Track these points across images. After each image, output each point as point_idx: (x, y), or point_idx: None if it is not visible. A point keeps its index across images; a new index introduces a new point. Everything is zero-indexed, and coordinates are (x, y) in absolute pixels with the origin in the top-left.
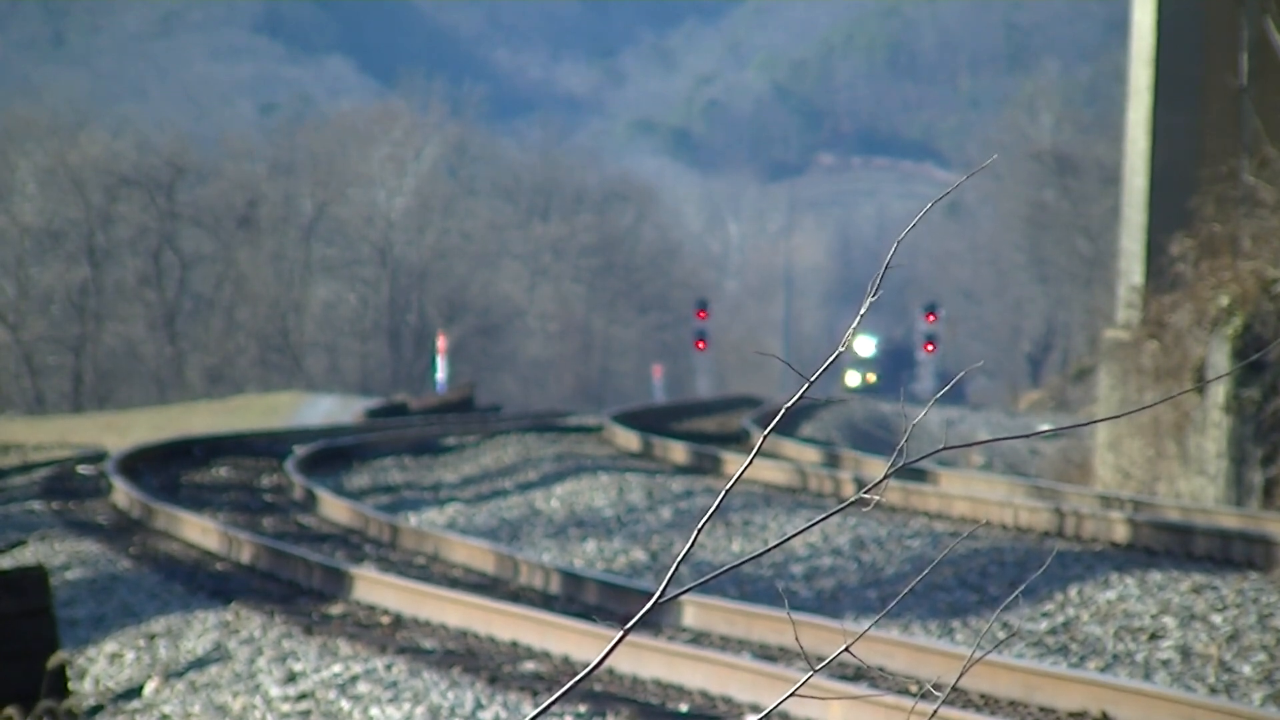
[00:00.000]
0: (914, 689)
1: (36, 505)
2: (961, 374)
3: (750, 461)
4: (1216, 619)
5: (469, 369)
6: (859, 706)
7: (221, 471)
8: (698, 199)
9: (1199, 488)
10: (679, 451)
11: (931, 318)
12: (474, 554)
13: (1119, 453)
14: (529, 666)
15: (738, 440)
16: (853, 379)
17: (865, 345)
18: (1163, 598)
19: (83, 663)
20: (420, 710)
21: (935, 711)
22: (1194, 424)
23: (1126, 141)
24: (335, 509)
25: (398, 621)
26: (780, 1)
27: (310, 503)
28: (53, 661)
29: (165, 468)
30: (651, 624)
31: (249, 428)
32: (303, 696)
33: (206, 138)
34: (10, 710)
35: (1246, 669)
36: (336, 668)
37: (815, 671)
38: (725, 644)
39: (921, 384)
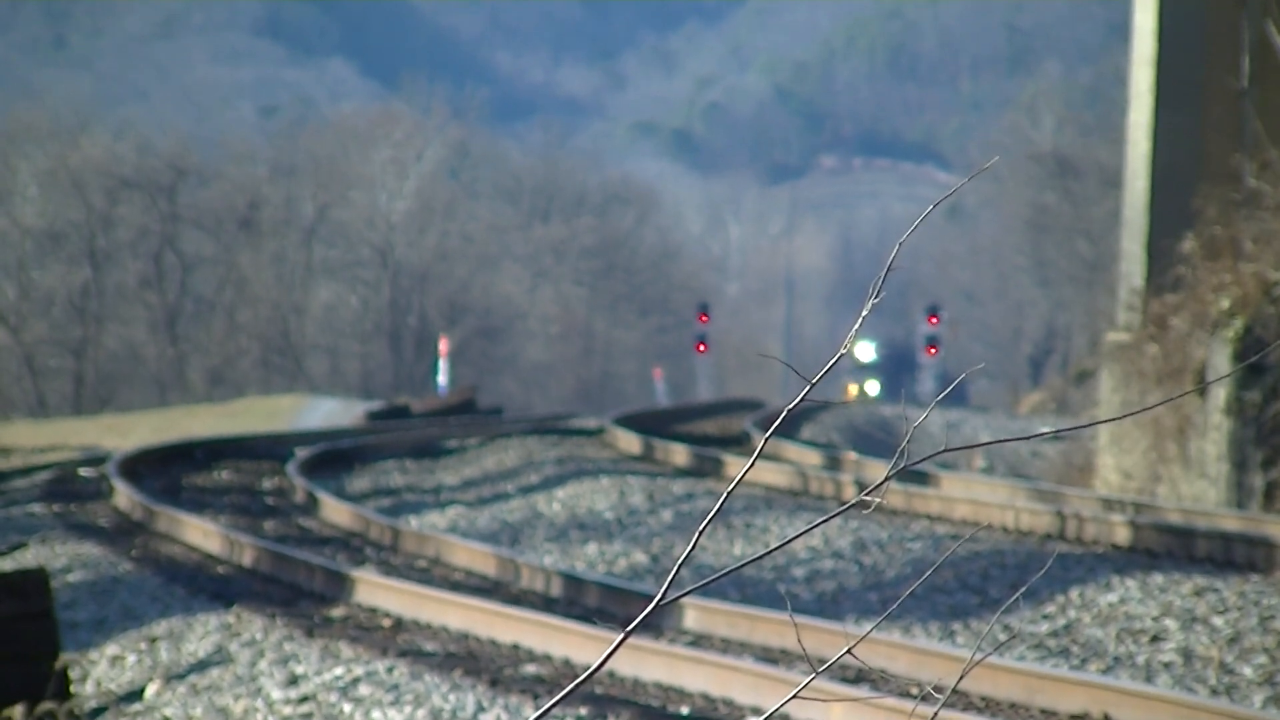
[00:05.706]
0: (915, 691)
1: (38, 508)
2: (963, 376)
3: (751, 464)
4: (1218, 621)
5: (470, 371)
6: (860, 709)
7: (223, 474)
8: (699, 201)
9: (1200, 490)
10: (680, 454)
11: (933, 320)
12: (475, 557)
13: (1120, 455)
14: (530, 669)
15: (739, 443)
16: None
17: (865, 351)
18: (1164, 600)
19: (84, 665)
20: (422, 713)
21: (936, 713)
22: (1195, 427)
23: (1128, 144)
24: (336, 512)
25: (399, 624)
26: (781, 3)
27: (311, 506)
28: (57, 665)
29: (166, 470)
30: (653, 627)
31: (250, 430)
32: (304, 699)
33: (208, 140)
34: (11, 711)
35: (1248, 671)
36: (338, 670)
37: (817, 674)
38: (726, 646)
39: (923, 386)
